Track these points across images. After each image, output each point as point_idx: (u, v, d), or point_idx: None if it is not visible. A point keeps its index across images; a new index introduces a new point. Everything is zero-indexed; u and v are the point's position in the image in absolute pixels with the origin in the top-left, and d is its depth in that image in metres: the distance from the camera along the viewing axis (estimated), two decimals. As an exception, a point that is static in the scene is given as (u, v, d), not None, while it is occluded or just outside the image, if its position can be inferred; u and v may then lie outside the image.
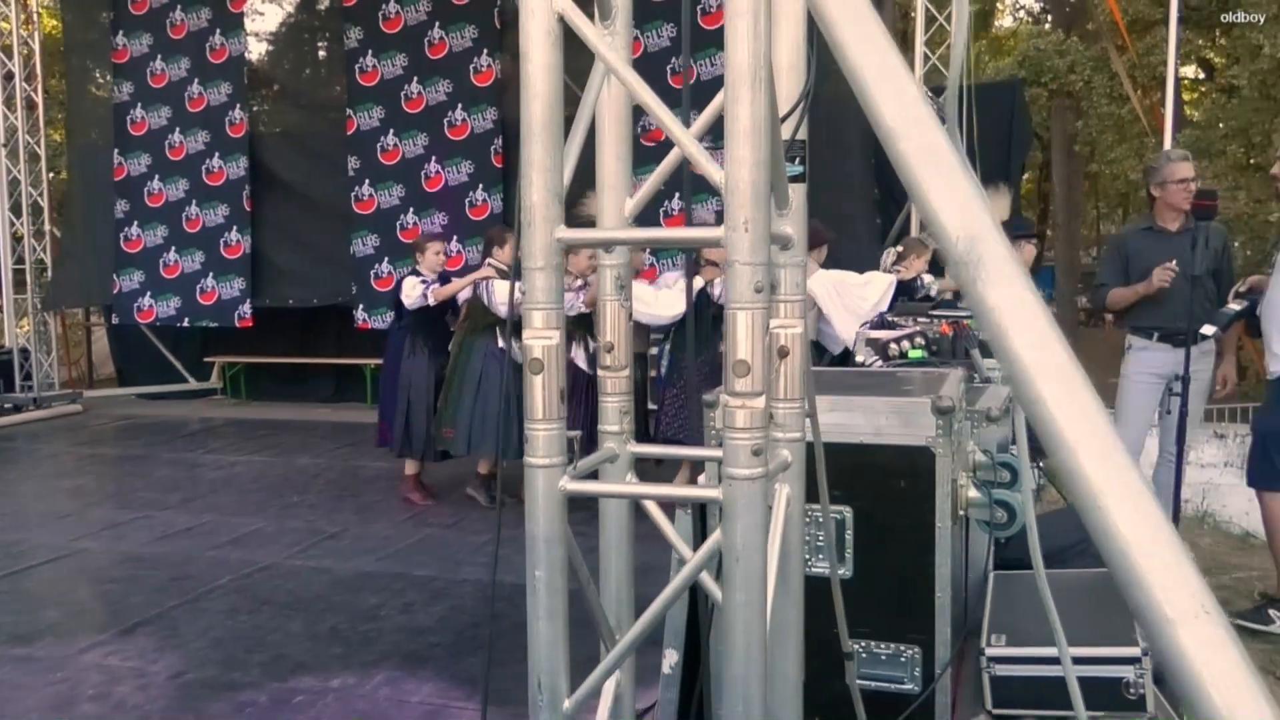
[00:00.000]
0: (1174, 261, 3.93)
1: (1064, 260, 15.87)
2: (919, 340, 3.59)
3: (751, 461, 1.27)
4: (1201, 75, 15.65)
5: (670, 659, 2.55)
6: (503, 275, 5.61)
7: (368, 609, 4.24)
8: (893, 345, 3.61)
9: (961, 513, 2.47)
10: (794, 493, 1.57)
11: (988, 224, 0.90)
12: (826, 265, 5.65)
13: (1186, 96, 15.84)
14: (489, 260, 5.75)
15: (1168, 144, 8.27)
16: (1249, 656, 0.74)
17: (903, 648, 2.52)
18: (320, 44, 11.55)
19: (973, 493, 2.46)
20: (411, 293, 5.82)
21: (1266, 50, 9.42)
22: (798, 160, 1.48)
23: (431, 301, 5.79)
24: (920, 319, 3.92)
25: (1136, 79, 10.96)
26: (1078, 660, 2.39)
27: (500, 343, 5.55)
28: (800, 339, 1.52)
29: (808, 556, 2.57)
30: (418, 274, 5.93)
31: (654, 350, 6.13)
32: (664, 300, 5.40)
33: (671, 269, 7.48)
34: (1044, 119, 14.77)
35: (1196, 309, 3.77)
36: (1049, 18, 16.33)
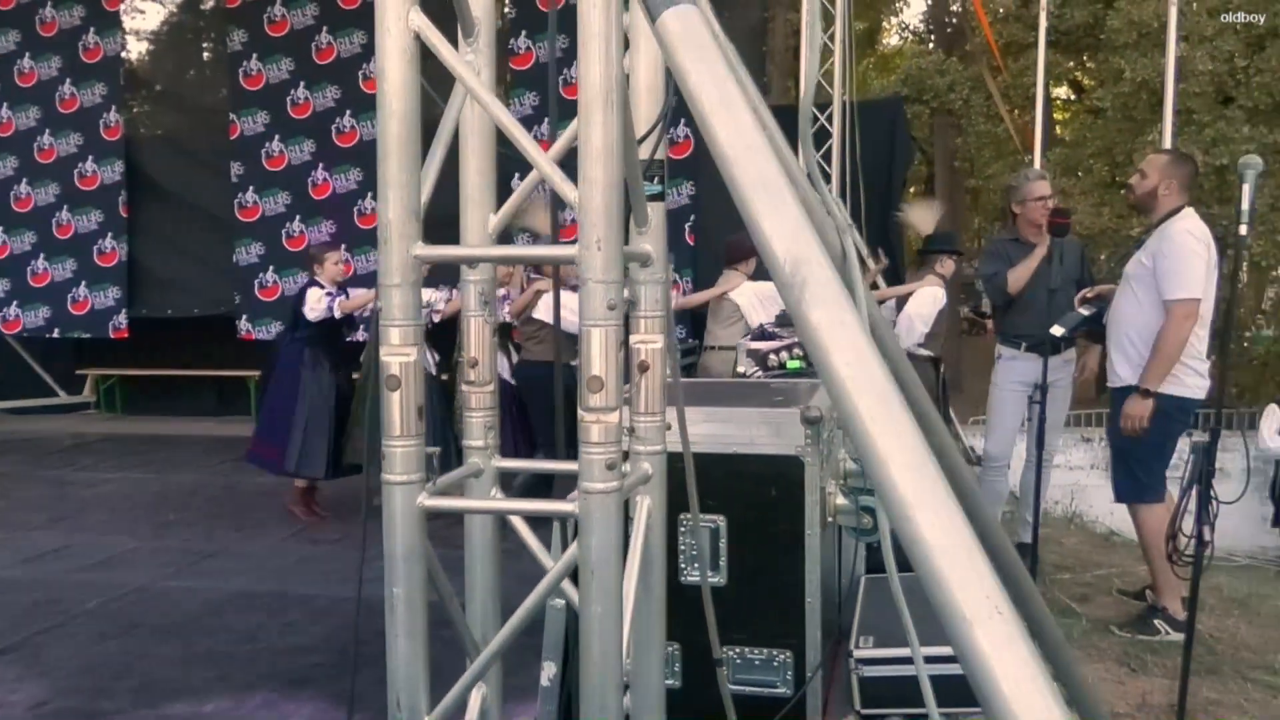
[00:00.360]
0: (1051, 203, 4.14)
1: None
2: (797, 351, 3.69)
3: (606, 475, 1.30)
4: (1073, 96, 16.44)
5: (549, 671, 2.56)
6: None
7: (246, 630, 4.12)
8: (772, 356, 3.71)
9: (830, 519, 2.55)
10: (655, 504, 1.60)
11: (813, 248, 0.95)
12: (755, 277, 5.72)
13: (1059, 116, 16.64)
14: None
15: (1038, 162, 8.69)
16: (1039, 655, 0.80)
17: (775, 652, 2.58)
18: (204, 46, 11.21)
19: (841, 500, 2.53)
20: (317, 305, 5.67)
21: (1128, 74, 9.98)
22: (656, 180, 1.51)
23: (338, 314, 5.67)
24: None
25: (1011, 99, 11.47)
26: (939, 659, 2.50)
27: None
28: (660, 354, 1.56)
29: (683, 565, 2.62)
30: (318, 285, 5.79)
31: None
32: None
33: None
34: (928, 135, 15.30)
35: (1058, 317, 3.97)
36: (932, 38, 16.93)
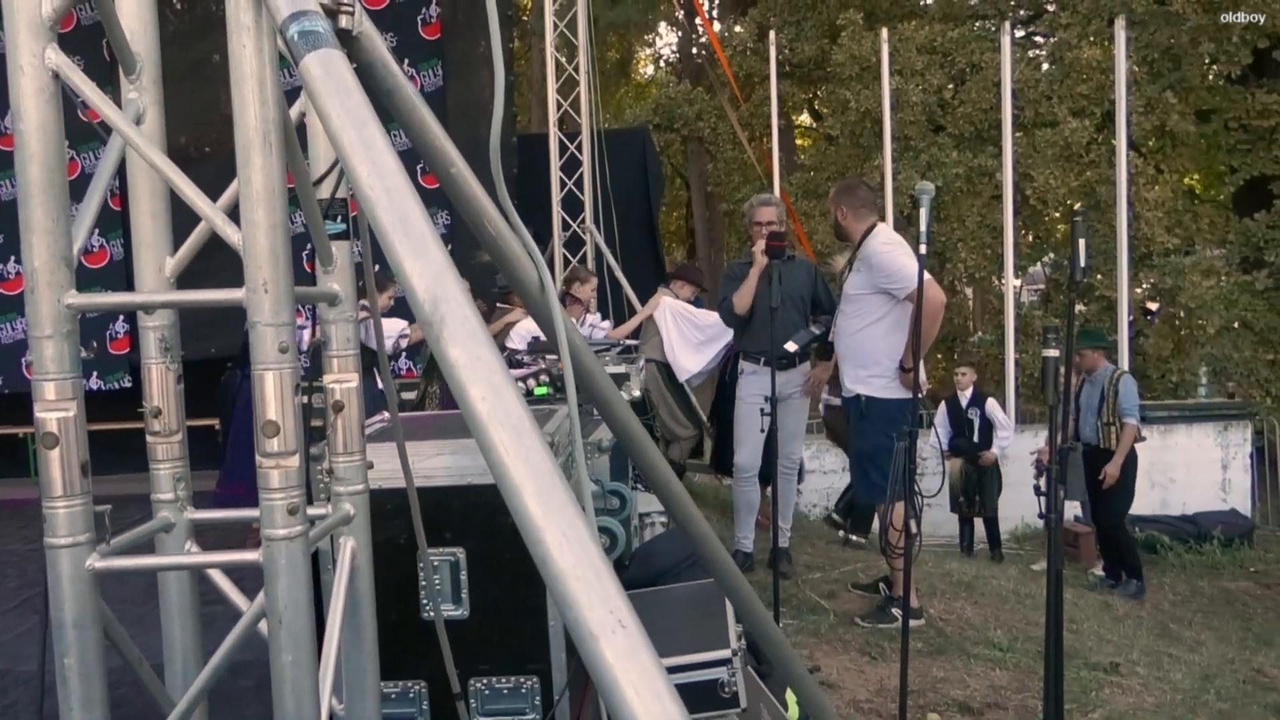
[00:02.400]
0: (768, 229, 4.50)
1: (708, 292, 17.14)
2: (544, 378, 3.74)
3: (289, 521, 1.27)
4: (813, 124, 17.61)
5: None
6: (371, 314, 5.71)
7: (-49, 719, 3.69)
8: (519, 384, 3.74)
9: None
10: (361, 544, 1.58)
11: (452, 286, 0.97)
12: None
13: (801, 142, 17.76)
14: (361, 302, 5.87)
15: (776, 187, 9.24)
16: (660, 663, 0.86)
17: (523, 679, 2.60)
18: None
19: (577, 522, 2.58)
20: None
21: (853, 104, 10.81)
22: (340, 218, 1.51)
23: (304, 346, 5.56)
24: (548, 356, 4.08)
25: (753, 127, 12.15)
26: (678, 669, 2.60)
27: (380, 384, 5.29)
28: (355, 393, 1.55)
29: (425, 601, 2.59)
30: None
31: None
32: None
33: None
34: (682, 162, 15.93)
35: (783, 334, 4.24)
36: (681, 68, 17.67)
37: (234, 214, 1.34)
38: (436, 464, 2.55)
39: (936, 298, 4.01)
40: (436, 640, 2.03)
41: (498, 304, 6.31)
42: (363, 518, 1.58)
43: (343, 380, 1.54)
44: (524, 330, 6.14)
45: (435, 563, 2.59)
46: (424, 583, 2.59)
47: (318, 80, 1.09)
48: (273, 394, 1.25)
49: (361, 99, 1.08)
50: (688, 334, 6.21)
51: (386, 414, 2.64)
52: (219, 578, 1.56)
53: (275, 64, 1.23)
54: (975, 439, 7.35)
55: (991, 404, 7.47)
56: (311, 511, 1.53)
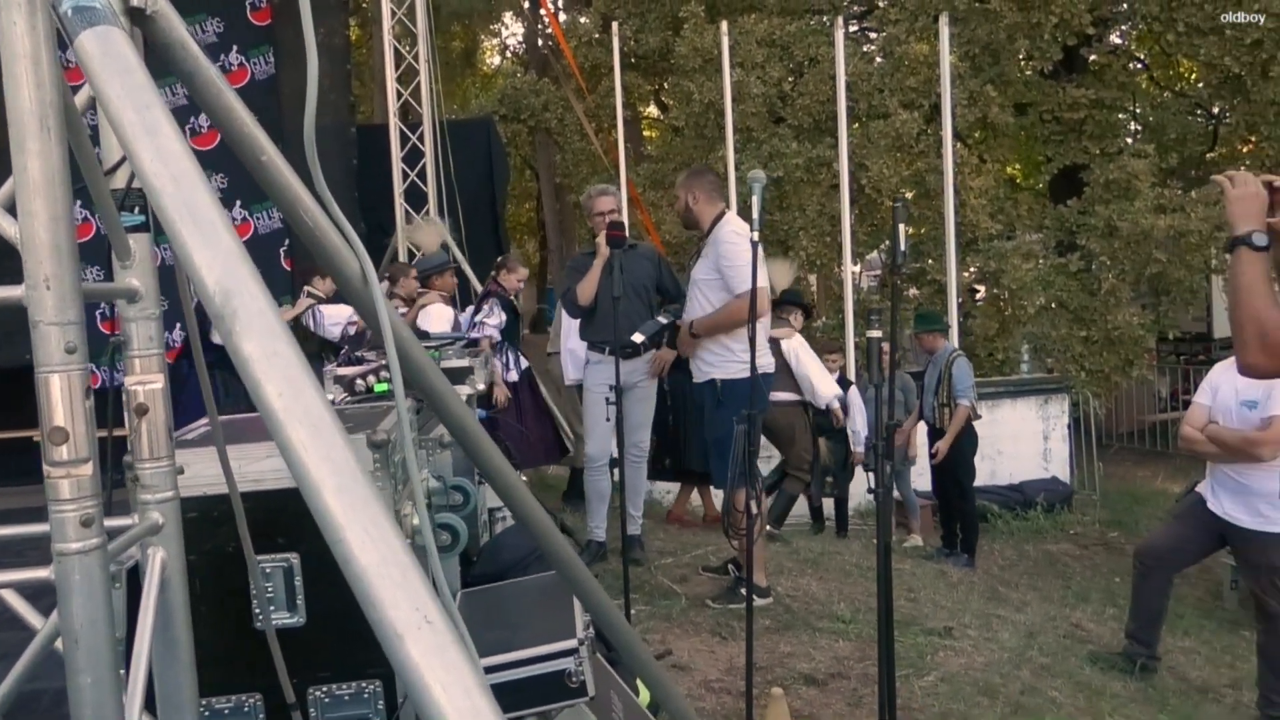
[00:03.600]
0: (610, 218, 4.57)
1: (559, 283, 17.12)
2: (384, 374, 3.64)
3: (82, 534, 1.19)
4: (660, 115, 17.79)
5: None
6: (321, 302, 6.15)
7: None
8: (359, 381, 3.63)
9: (409, 540, 2.54)
10: (172, 554, 1.50)
11: (245, 278, 0.93)
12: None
13: (649, 134, 17.93)
14: (307, 289, 6.25)
15: (623, 178, 9.30)
16: (473, 658, 0.84)
17: (364, 684, 2.52)
18: None
19: (416, 520, 2.53)
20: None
21: (696, 96, 10.97)
22: (137, 210, 1.42)
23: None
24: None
25: (600, 118, 12.18)
26: (524, 662, 2.58)
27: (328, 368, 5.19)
28: (161, 395, 1.46)
29: (257, 610, 2.49)
30: None
31: None
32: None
33: None
34: (531, 153, 15.83)
35: (626, 323, 4.28)
36: (528, 58, 17.54)
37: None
38: (267, 466, 2.45)
39: (741, 314, 4.14)
40: (269, 649, 1.95)
41: (417, 289, 6.45)
42: (174, 526, 1.49)
43: (145, 382, 1.44)
44: (436, 313, 6.11)
45: (268, 569, 2.48)
46: (254, 591, 2.48)
47: (94, 59, 1.02)
48: (59, 398, 1.16)
49: (144, 79, 1.02)
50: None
51: (223, 417, 2.52)
52: (12, 597, 1.45)
53: (53, 42, 1.14)
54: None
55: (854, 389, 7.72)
56: (117, 522, 1.44)
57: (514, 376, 6.33)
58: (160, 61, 1.39)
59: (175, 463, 1.50)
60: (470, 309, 6.65)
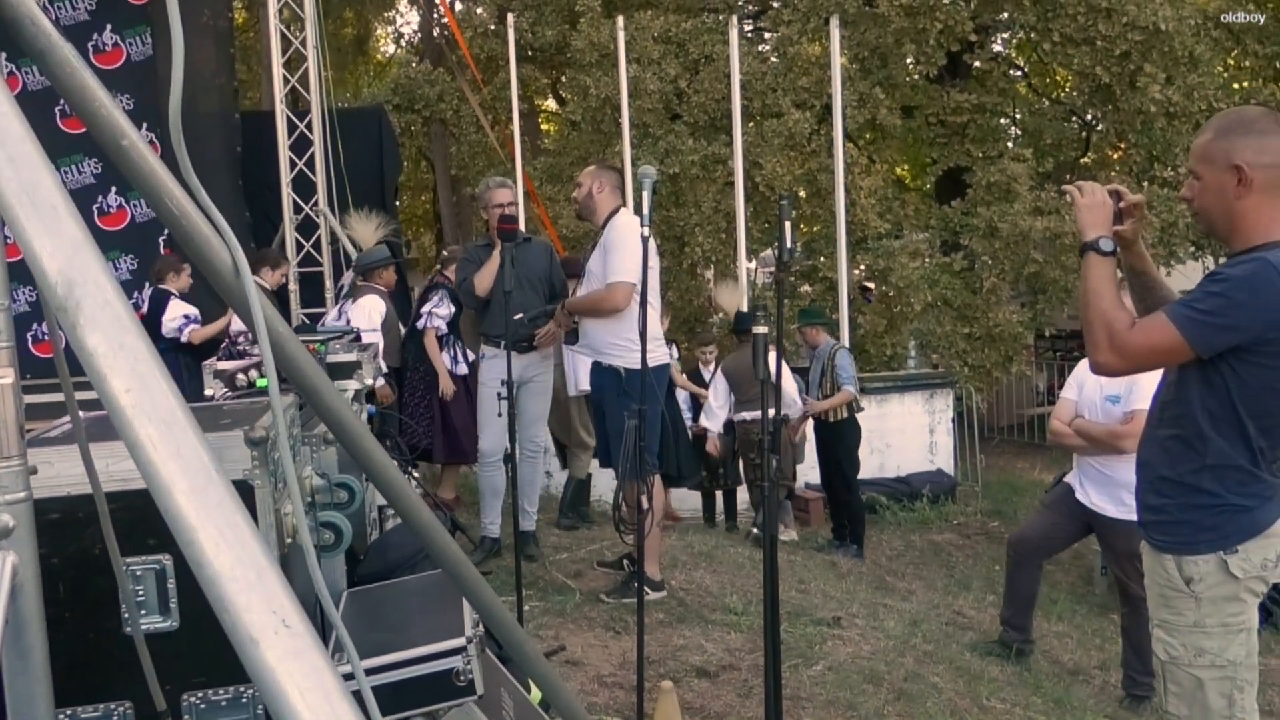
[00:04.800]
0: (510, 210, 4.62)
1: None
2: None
3: (-86, 539, 1.11)
4: (557, 108, 17.70)
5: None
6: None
7: None
8: (240, 375, 3.50)
9: (290, 540, 2.46)
10: (25, 560, 1.41)
11: (91, 266, 0.88)
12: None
13: (547, 127, 17.82)
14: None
15: (519, 171, 9.22)
16: (330, 662, 0.81)
17: (242, 688, 2.43)
18: None
19: (298, 519, 2.46)
20: (170, 322, 5.97)
21: (593, 90, 10.96)
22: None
23: (196, 341, 5.91)
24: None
25: (496, 111, 12.05)
26: (411, 661, 2.54)
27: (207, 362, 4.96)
28: (12, 390, 1.38)
29: (125, 614, 2.38)
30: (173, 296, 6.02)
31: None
32: None
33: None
34: (426, 144, 15.55)
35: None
36: (423, 47, 17.23)
37: None
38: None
39: (611, 299, 4.17)
40: (151, 657, 1.86)
41: (358, 282, 6.22)
42: (26, 529, 1.41)
43: (-6, 377, 1.36)
44: (364, 306, 5.94)
45: (139, 572, 2.37)
46: (123, 596, 2.37)
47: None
48: (-109, 394, 1.09)
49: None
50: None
51: (96, 413, 2.40)
52: None
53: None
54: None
55: None
56: (-39, 526, 1.35)
57: (463, 370, 6.19)
58: (7, 39, 1.31)
59: (28, 462, 1.42)
60: (415, 301, 6.63)
